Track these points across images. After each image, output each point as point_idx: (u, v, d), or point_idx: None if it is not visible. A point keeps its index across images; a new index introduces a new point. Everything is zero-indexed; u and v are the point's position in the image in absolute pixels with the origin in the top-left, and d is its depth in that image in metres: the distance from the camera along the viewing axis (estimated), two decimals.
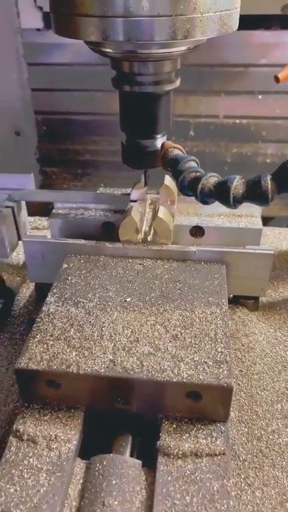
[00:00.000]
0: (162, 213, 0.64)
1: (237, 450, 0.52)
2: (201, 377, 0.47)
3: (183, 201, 0.71)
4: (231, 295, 0.68)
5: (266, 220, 1.16)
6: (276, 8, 0.93)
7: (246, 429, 0.54)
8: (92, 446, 0.50)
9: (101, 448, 0.49)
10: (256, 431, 0.54)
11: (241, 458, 0.52)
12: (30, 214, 0.89)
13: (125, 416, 0.50)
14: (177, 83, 0.64)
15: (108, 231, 0.70)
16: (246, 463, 0.51)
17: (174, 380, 0.47)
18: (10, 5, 1.01)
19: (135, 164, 0.69)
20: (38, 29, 1.03)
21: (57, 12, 0.54)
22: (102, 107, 1.10)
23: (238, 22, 0.56)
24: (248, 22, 0.92)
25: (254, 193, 0.50)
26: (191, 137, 1.14)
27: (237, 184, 0.51)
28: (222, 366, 0.48)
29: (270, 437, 0.54)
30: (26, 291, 0.75)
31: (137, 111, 0.64)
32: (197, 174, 0.55)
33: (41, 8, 1.00)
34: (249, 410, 0.56)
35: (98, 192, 0.78)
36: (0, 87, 1.10)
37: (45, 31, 1.03)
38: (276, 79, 0.63)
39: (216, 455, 0.46)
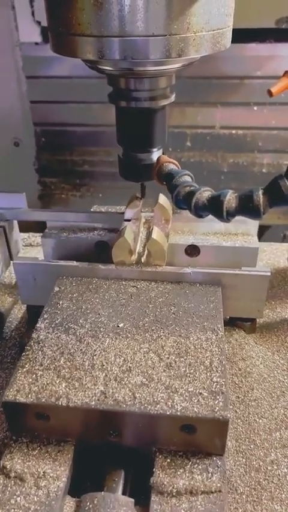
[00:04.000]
0: (156, 233, 0.62)
1: (235, 482, 0.50)
2: (195, 409, 0.45)
3: (178, 220, 0.70)
4: (228, 317, 0.66)
5: (263, 229, 1.16)
6: (271, 22, 0.93)
7: (243, 460, 0.52)
8: (83, 480, 0.48)
9: (92, 482, 0.48)
10: (254, 462, 0.52)
11: (239, 492, 0.50)
12: (24, 230, 0.88)
13: (118, 450, 0.48)
14: (172, 98, 0.64)
15: (101, 250, 0.69)
16: (243, 497, 0.49)
17: (168, 413, 0.45)
18: (9, 19, 1.01)
19: (131, 177, 0.69)
20: (36, 43, 1.03)
21: (54, 31, 0.55)
22: (100, 118, 1.10)
23: (231, 39, 0.57)
24: (243, 35, 0.93)
25: (247, 207, 0.51)
26: (188, 148, 1.14)
27: (230, 198, 0.52)
28: (217, 397, 0.46)
29: (269, 468, 0.52)
30: (18, 312, 0.73)
31: (133, 126, 0.65)
32: (191, 188, 0.55)
33: (39, 23, 1.01)
34: (246, 440, 0.54)
35: (91, 210, 0.76)
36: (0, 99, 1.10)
37: (44, 45, 1.03)
38: (270, 93, 0.63)
39: (212, 492, 0.44)
